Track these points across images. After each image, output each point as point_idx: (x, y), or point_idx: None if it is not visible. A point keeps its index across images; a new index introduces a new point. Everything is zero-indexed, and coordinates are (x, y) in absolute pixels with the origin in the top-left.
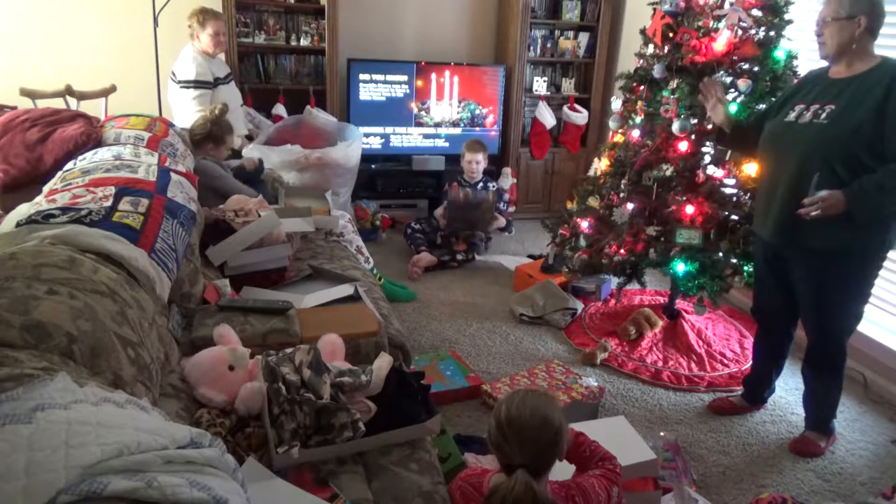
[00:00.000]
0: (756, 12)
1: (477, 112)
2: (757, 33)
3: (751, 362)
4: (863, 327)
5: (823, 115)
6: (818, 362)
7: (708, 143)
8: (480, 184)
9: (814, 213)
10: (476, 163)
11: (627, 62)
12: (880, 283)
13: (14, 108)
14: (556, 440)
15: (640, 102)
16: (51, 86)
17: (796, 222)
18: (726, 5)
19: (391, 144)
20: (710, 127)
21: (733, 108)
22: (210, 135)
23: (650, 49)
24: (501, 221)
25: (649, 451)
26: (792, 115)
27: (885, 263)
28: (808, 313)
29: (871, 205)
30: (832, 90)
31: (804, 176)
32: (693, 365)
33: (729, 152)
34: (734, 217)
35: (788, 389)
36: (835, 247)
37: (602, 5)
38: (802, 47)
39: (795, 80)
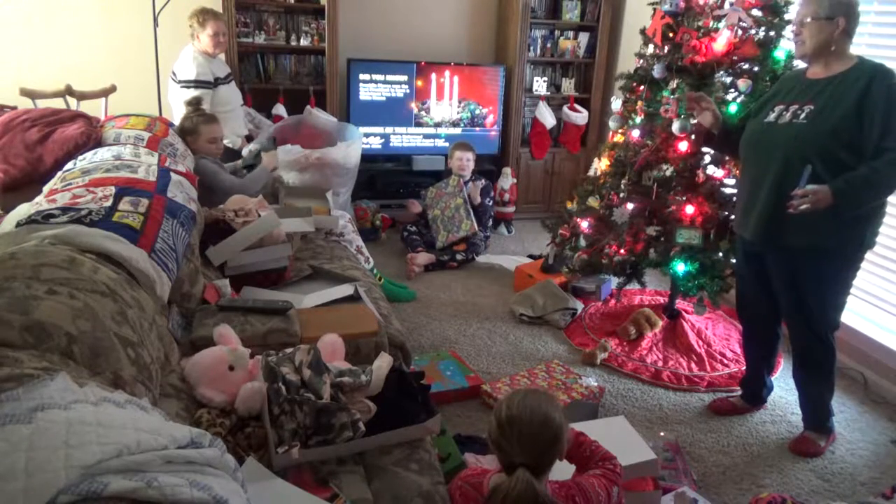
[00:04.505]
0: (756, 12)
1: (477, 112)
2: (757, 33)
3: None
4: (863, 327)
5: (803, 116)
6: (806, 362)
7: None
8: (470, 183)
9: (802, 207)
10: (467, 160)
11: (627, 62)
12: (880, 284)
13: (14, 108)
14: (556, 439)
15: (640, 102)
16: (51, 86)
17: (779, 222)
18: (726, 5)
19: (391, 144)
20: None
21: (733, 109)
22: (183, 129)
23: (650, 49)
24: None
25: (649, 451)
26: (772, 116)
27: (884, 262)
28: (790, 312)
29: (857, 199)
30: (811, 91)
31: (786, 176)
32: (693, 365)
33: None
34: (734, 217)
35: (788, 389)
36: (815, 245)
37: (602, 5)
38: None
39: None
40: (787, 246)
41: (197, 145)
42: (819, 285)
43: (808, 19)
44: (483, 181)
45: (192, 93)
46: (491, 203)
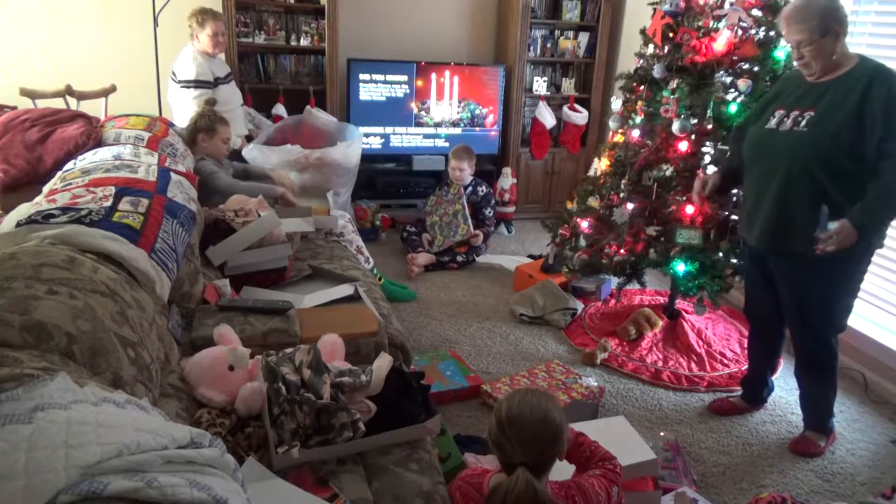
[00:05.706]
0: (756, 12)
1: (477, 112)
2: (757, 33)
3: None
4: (863, 327)
5: (803, 123)
6: (808, 364)
7: (708, 144)
8: (469, 188)
9: (829, 249)
10: (460, 170)
11: (627, 62)
12: (880, 284)
13: (14, 108)
14: (556, 439)
15: (640, 102)
16: (51, 86)
17: (784, 230)
18: (726, 5)
19: (391, 144)
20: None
21: (733, 109)
22: (197, 126)
23: (650, 49)
24: (478, 239)
25: (649, 451)
26: (772, 122)
27: (884, 262)
28: (793, 315)
29: (879, 223)
30: (811, 95)
31: (789, 184)
32: (693, 365)
33: (728, 152)
34: (734, 217)
35: (788, 389)
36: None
37: (602, 5)
38: None
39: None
40: (793, 253)
41: (210, 143)
42: (826, 289)
43: (805, 43)
44: (484, 189)
45: (192, 93)
46: (492, 213)
